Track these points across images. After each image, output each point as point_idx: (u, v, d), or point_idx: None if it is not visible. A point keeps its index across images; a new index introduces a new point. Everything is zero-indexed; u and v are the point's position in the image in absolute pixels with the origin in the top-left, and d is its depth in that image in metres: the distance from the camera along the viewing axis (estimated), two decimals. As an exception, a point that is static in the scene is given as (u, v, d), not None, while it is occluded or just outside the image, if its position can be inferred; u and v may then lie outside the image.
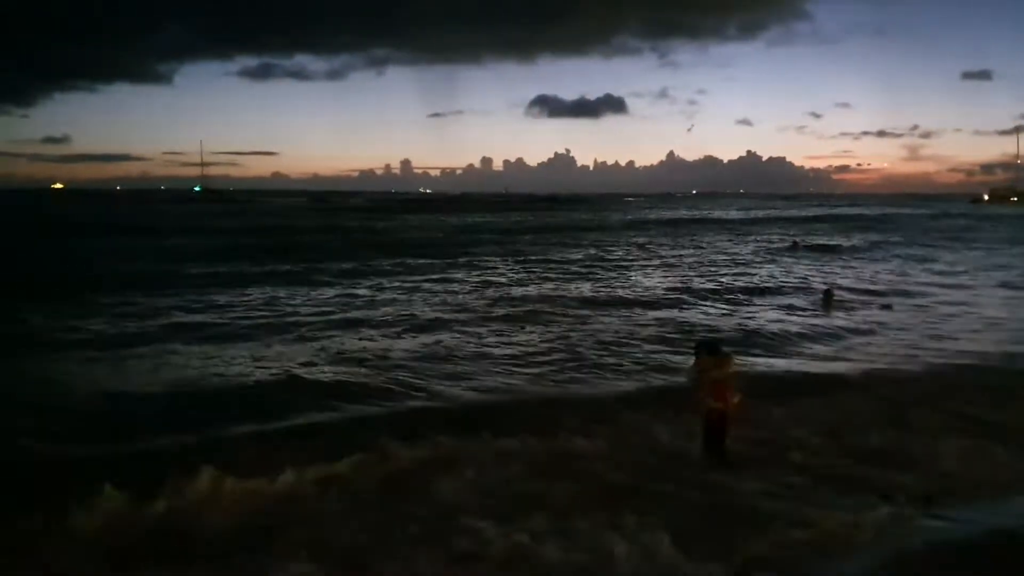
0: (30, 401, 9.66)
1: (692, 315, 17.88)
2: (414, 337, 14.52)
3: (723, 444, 7.68)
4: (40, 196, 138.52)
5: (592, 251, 36.44)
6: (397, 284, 22.64)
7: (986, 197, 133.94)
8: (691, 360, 8.35)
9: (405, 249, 33.76)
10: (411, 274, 25.23)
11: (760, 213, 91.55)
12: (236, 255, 30.32)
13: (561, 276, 25.75)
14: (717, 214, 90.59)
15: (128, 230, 45.79)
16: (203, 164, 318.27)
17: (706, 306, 19.42)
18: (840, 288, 21.74)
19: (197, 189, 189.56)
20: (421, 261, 28.98)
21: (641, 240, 44.72)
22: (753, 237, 47.79)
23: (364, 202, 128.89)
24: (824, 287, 21.61)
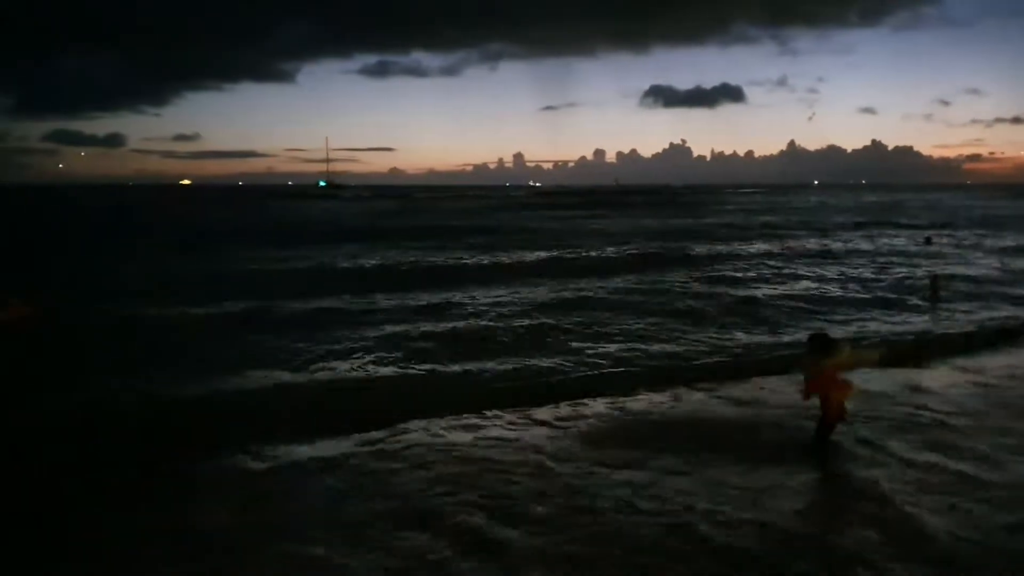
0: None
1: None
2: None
3: (827, 434, 7.99)
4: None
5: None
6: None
7: None
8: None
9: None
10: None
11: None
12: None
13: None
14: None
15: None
16: (327, 160, 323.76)
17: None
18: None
19: (322, 184, 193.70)
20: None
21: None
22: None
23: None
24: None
